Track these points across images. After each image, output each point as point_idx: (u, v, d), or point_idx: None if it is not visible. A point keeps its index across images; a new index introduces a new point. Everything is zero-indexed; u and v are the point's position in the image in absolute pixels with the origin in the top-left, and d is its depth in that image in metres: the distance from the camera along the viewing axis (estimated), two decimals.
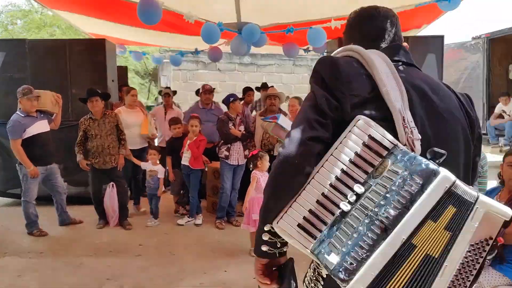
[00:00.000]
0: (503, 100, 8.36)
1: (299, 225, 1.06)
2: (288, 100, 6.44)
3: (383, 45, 1.31)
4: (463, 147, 1.22)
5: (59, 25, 14.87)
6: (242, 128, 5.17)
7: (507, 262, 2.40)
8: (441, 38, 6.24)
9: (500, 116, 8.54)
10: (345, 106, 1.10)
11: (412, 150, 1.05)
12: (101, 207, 5.13)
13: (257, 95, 7.21)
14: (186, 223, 5.21)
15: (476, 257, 0.99)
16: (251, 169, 4.31)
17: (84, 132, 4.97)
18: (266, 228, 1.16)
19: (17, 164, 4.79)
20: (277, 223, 1.09)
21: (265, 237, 1.17)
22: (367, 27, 1.35)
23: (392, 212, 0.94)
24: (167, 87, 7.53)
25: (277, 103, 5.33)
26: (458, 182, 0.97)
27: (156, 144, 6.30)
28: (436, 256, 0.96)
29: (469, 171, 1.26)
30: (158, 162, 5.31)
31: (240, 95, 6.91)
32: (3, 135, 5.85)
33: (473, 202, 0.96)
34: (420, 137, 1.09)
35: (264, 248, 1.19)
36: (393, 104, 1.08)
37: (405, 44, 1.32)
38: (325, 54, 7.28)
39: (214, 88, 6.34)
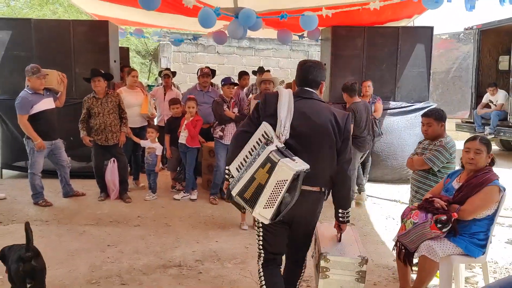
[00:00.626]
0: (491, 90, 8.65)
1: (236, 168, 2.32)
2: (283, 85, 6.73)
3: (302, 86, 2.47)
4: (326, 139, 2.34)
5: (61, 3, 14.97)
6: (236, 110, 5.47)
7: (460, 235, 2.74)
8: (430, 29, 6.49)
9: (487, 106, 8.85)
10: (262, 117, 2.34)
11: (280, 138, 2.24)
12: (102, 181, 5.47)
13: (253, 79, 7.48)
14: (182, 198, 5.57)
15: (279, 188, 2.08)
16: None
17: (87, 110, 5.26)
18: (226, 167, 2.43)
19: (24, 139, 5.09)
20: (228, 166, 2.39)
21: (226, 172, 2.44)
22: (298, 74, 2.53)
23: (253, 161, 2.18)
24: (167, 69, 7.80)
25: (271, 87, 5.60)
26: (274, 153, 2.10)
27: (155, 123, 6.59)
28: (263, 184, 2.11)
29: (333, 151, 2.37)
30: (156, 140, 5.63)
31: (236, 78, 7.21)
32: (8, 111, 6.17)
33: (277, 161, 2.07)
34: (287, 135, 2.26)
35: (226, 176, 2.47)
36: (279, 117, 2.26)
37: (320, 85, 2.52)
38: (319, 41, 7.54)
39: (214, 71, 6.58)
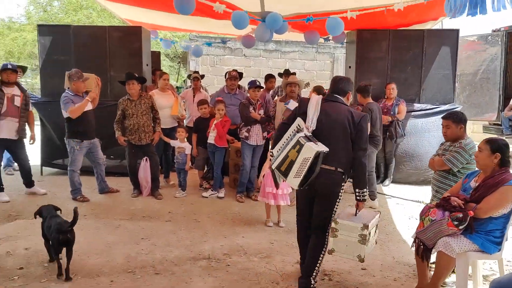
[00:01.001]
0: None
1: (277, 150, 3.09)
2: (309, 87, 6.88)
3: (332, 93, 3.25)
4: (342, 131, 3.05)
5: (95, 8, 15.57)
6: (261, 112, 5.67)
7: (476, 232, 2.85)
8: (456, 31, 6.53)
9: None
10: (297, 114, 3.14)
11: (308, 129, 3.00)
12: (135, 178, 5.77)
13: (279, 81, 7.66)
14: (210, 195, 5.81)
15: (304, 163, 2.82)
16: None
17: (122, 111, 5.58)
18: (271, 150, 3.40)
19: (65, 138, 5.45)
20: (272, 150, 3.21)
21: (270, 154, 3.49)
22: (331, 84, 3.33)
23: (287, 144, 2.97)
24: (195, 71, 8.07)
25: (296, 90, 5.79)
26: (302, 138, 2.86)
27: (184, 124, 6.87)
28: (294, 160, 2.86)
29: (348, 140, 3.05)
30: (185, 140, 5.90)
31: (263, 81, 7.41)
32: (49, 112, 6.58)
33: (304, 144, 2.82)
34: (313, 127, 3.02)
35: (270, 157, 3.66)
36: (308, 114, 3.05)
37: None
38: (344, 43, 7.66)
39: (241, 74, 6.81)
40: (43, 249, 3.81)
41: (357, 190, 3.09)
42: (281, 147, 3.05)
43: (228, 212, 5.25)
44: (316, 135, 2.99)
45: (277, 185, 3.66)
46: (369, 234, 3.00)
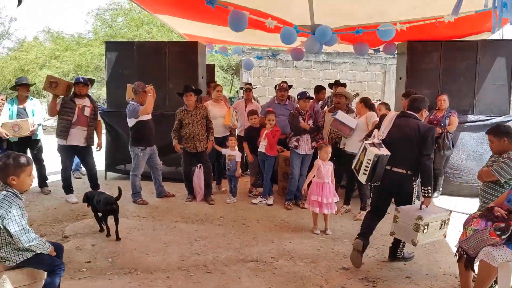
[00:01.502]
0: None
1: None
2: (356, 97, 6.96)
3: (407, 110, 3.96)
4: (409, 140, 3.73)
5: (155, 24, 16.49)
6: (310, 122, 5.84)
7: None
8: (510, 42, 6.37)
9: None
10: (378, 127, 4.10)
11: (378, 138, 3.89)
12: (190, 184, 6.13)
13: (329, 92, 7.78)
14: (259, 202, 6.05)
15: (368, 163, 3.69)
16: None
17: (179, 121, 5.97)
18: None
19: (129, 146, 5.91)
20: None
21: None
22: (408, 102, 4.04)
23: (361, 149, 3.89)
24: (248, 83, 8.39)
25: (342, 101, 5.92)
26: (367, 144, 3.77)
27: (236, 133, 7.17)
28: (362, 161, 3.79)
29: (413, 148, 3.71)
30: (236, 148, 6.19)
31: (313, 92, 7.58)
32: (113, 122, 7.14)
33: (368, 148, 3.71)
34: (383, 136, 3.88)
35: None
36: (381, 126, 3.95)
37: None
38: (395, 55, 7.67)
39: (290, 86, 7.04)
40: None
41: (422, 188, 3.71)
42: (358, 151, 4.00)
43: (276, 219, 5.45)
44: (388, 144, 3.80)
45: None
46: (426, 225, 3.51)
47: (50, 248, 2.64)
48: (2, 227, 2.47)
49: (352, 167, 3.95)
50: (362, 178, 3.78)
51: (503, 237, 2.79)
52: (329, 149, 4.96)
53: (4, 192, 2.49)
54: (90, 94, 6.18)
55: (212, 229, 5.02)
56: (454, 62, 6.59)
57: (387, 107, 5.86)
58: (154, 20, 15.98)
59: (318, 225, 5.00)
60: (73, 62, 16.09)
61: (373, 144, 3.71)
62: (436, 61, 6.62)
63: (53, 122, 13.54)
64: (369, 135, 4.10)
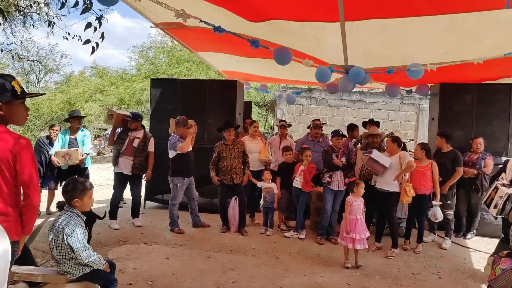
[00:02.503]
0: None
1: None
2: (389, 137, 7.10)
3: None
4: None
5: (195, 61, 17.34)
6: (343, 159, 6.03)
7: None
8: None
9: None
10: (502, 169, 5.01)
11: (506, 180, 4.68)
12: (225, 215, 6.37)
13: (362, 130, 7.96)
14: (292, 236, 6.19)
15: (499, 200, 4.41)
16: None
17: (218, 154, 6.30)
18: None
19: (169, 176, 6.26)
20: None
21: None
22: None
23: (492, 188, 4.67)
24: (282, 120, 8.70)
25: (377, 140, 6.10)
26: (499, 184, 4.52)
27: (270, 168, 7.42)
28: (493, 197, 4.51)
29: None
30: (270, 182, 6.42)
31: (345, 129, 7.78)
32: (155, 153, 7.53)
33: (499, 187, 4.49)
34: (510, 178, 4.65)
35: None
36: (507, 169, 4.80)
37: None
38: (428, 97, 7.82)
39: (324, 123, 7.29)
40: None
41: None
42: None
43: (308, 253, 5.57)
44: None
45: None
46: None
47: (106, 265, 2.93)
48: (66, 243, 2.78)
49: (483, 202, 4.69)
50: (493, 211, 4.44)
51: None
52: (363, 185, 5.12)
53: (69, 213, 2.83)
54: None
55: (246, 259, 5.20)
56: (487, 104, 6.68)
57: (399, 142, 5.93)
58: (194, 57, 16.81)
59: (349, 259, 5.09)
60: (116, 96, 17.03)
61: (503, 185, 4.43)
62: (469, 103, 6.74)
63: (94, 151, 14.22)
64: (497, 176, 4.84)
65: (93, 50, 3.30)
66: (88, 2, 3.07)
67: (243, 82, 8.65)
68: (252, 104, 17.11)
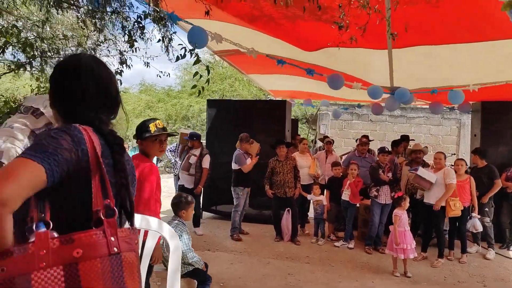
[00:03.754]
0: None
1: None
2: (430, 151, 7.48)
3: None
4: None
5: (237, 78, 18.12)
6: (390, 174, 6.47)
7: None
8: None
9: None
10: None
11: None
12: (279, 225, 6.93)
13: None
14: (341, 245, 6.67)
15: None
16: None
17: (271, 169, 6.89)
18: None
19: (232, 186, 6.93)
20: None
21: None
22: None
23: None
24: (326, 136, 9.21)
25: (421, 156, 6.53)
26: None
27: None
28: None
29: None
30: (319, 195, 6.94)
31: (389, 144, 8.19)
32: (211, 168, 8.22)
33: None
34: None
35: None
36: None
37: None
38: (469, 113, 8.14)
39: (371, 140, 7.77)
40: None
41: None
42: None
43: (358, 261, 6.03)
44: None
45: None
46: None
47: (203, 265, 3.56)
48: None
49: None
50: None
51: None
52: (408, 199, 5.57)
53: (176, 221, 3.50)
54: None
55: (301, 266, 5.73)
56: None
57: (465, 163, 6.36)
58: (236, 74, 17.60)
59: (397, 268, 5.52)
60: (164, 112, 18.04)
61: None
62: (511, 120, 7.04)
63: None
64: None
65: (199, 93, 3.97)
66: (194, 53, 3.74)
67: (289, 99, 9.24)
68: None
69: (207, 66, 3.96)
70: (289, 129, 8.51)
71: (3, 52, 4.53)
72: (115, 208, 1.18)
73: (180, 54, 3.75)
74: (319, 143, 8.98)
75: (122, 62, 4.35)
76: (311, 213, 7.58)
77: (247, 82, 17.79)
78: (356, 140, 7.71)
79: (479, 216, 6.12)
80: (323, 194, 7.13)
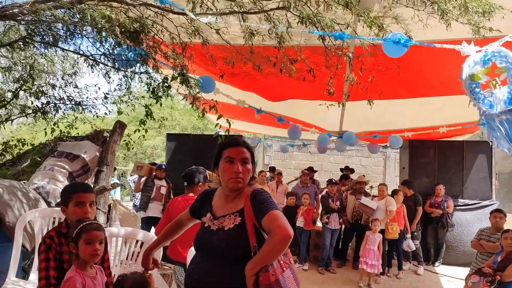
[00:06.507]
0: None
1: None
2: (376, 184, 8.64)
3: None
4: None
5: (175, 107, 18.63)
6: (338, 203, 7.44)
7: None
8: (487, 143, 8.26)
9: None
10: None
11: None
12: None
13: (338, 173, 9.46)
14: (297, 267, 7.43)
15: None
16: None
17: None
18: None
19: None
20: None
21: None
22: None
23: None
24: (273, 167, 10.09)
25: (363, 186, 7.62)
26: None
27: None
28: None
29: None
30: None
31: (325, 173, 9.25)
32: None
33: None
34: None
35: None
36: None
37: None
38: (398, 149, 9.55)
39: (315, 171, 8.73)
40: None
41: None
42: None
43: (314, 281, 6.83)
44: None
45: None
46: None
47: None
48: None
49: None
50: None
51: (492, 287, 4.30)
52: (378, 223, 6.58)
53: None
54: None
55: None
56: (446, 157, 8.42)
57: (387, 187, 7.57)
58: (177, 104, 18.10)
59: (362, 280, 6.50)
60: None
61: None
62: (432, 156, 8.45)
63: None
64: None
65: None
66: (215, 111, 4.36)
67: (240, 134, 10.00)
68: None
69: (228, 129, 4.60)
70: None
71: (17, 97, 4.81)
72: None
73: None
74: (268, 174, 9.79)
75: (147, 114, 4.83)
76: None
77: (187, 111, 18.34)
78: (300, 173, 8.65)
79: (410, 236, 7.30)
80: None
